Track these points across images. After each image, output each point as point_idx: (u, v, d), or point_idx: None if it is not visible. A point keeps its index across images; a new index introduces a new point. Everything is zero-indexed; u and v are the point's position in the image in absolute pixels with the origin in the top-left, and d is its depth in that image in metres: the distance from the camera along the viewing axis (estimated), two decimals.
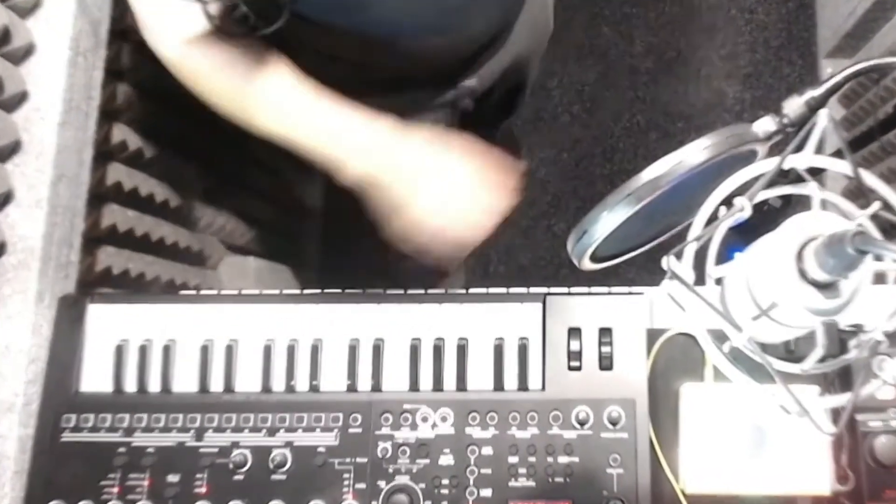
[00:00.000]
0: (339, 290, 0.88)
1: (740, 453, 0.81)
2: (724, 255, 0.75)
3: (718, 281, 0.76)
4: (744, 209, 0.73)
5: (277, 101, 0.89)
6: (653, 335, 0.85)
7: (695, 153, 0.74)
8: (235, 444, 0.83)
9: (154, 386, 0.85)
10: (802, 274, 0.65)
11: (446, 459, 0.82)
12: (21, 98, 0.88)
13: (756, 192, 0.74)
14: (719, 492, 0.81)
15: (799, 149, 0.75)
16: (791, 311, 0.67)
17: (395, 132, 0.90)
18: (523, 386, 0.84)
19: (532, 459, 0.81)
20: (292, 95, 0.88)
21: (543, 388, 0.83)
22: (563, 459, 0.81)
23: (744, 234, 0.76)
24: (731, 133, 0.75)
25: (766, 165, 0.75)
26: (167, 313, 0.87)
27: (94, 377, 0.86)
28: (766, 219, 0.75)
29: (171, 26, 0.84)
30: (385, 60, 1.01)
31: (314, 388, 0.85)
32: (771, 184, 0.75)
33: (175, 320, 0.87)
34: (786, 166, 0.74)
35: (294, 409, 0.84)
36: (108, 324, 0.87)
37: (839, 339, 0.69)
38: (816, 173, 0.75)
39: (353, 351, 0.85)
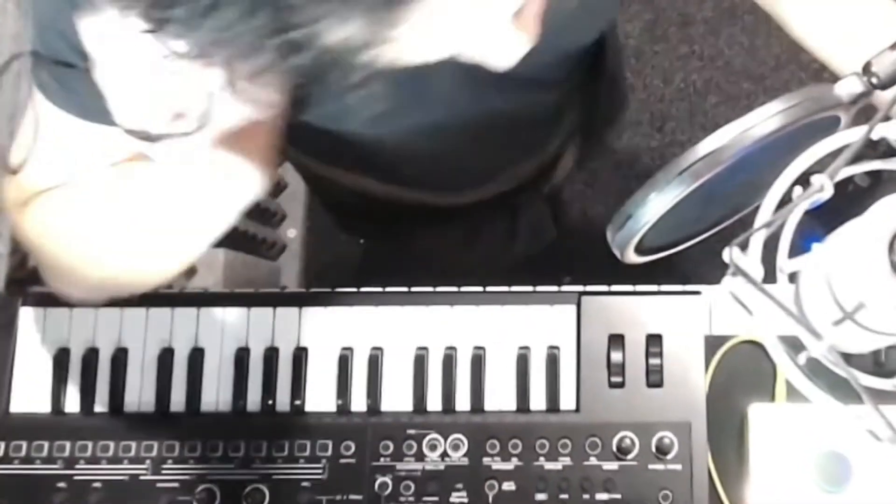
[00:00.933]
0: (327, 289, 0.89)
1: (819, 487, 0.82)
2: (800, 246, 0.76)
3: (792, 277, 0.77)
4: (823, 189, 0.74)
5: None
6: (712, 344, 0.86)
7: (764, 121, 0.74)
8: (201, 478, 0.84)
9: (101, 406, 0.86)
10: None
11: (459, 496, 0.83)
12: None
13: (839, 169, 0.74)
14: None
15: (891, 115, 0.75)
16: (882, 314, 0.67)
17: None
18: (553, 406, 0.84)
19: (564, 497, 0.82)
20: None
21: (578, 408, 0.84)
22: (601, 496, 0.82)
23: (824, 220, 0.76)
24: (808, 96, 0.76)
25: (850, 136, 0.76)
26: (117, 316, 0.88)
27: (28, 395, 0.87)
28: (850, 201, 0.75)
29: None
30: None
31: (297, 409, 0.85)
32: (857, 158, 0.75)
33: (127, 324, 0.88)
34: (875, 136, 0.75)
35: (273, 434, 0.84)
36: (44, 329, 0.88)
37: None
38: None
39: (344, 362, 0.86)
